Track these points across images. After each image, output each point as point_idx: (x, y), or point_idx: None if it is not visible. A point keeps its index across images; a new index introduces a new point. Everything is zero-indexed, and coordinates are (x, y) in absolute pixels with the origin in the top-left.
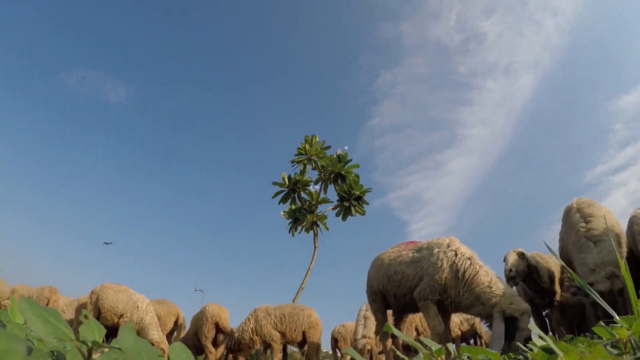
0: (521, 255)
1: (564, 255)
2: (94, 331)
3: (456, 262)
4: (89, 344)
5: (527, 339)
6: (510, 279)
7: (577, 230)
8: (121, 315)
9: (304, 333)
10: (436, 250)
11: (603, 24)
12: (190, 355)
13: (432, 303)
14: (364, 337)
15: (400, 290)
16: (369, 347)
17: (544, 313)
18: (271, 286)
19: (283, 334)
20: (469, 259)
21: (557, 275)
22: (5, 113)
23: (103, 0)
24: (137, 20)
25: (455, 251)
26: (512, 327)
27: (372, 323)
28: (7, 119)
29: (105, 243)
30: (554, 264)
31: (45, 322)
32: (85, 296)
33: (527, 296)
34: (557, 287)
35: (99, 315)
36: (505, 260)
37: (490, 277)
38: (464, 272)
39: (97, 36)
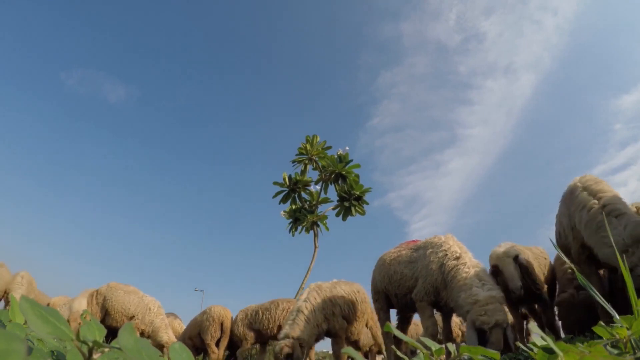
0: (516, 259)
1: (562, 241)
2: (94, 331)
3: (444, 262)
4: (90, 344)
5: None
6: (518, 296)
7: (589, 208)
8: (132, 317)
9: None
10: (429, 250)
11: (603, 24)
12: (190, 355)
13: (428, 304)
14: (286, 336)
15: (401, 290)
16: (288, 350)
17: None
18: (271, 286)
19: (258, 332)
20: (457, 259)
21: (543, 271)
22: (6, 113)
23: (103, 1)
24: (137, 20)
25: (446, 251)
26: (483, 340)
27: (302, 320)
28: (7, 119)
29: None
30: (533, 256)
31: (46, 321)
32: None
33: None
34: (544, 286)
35: (105, 316)
36: (501, 270)
37: (469, 280)
38: (448, 273)
39: (97, 36)
